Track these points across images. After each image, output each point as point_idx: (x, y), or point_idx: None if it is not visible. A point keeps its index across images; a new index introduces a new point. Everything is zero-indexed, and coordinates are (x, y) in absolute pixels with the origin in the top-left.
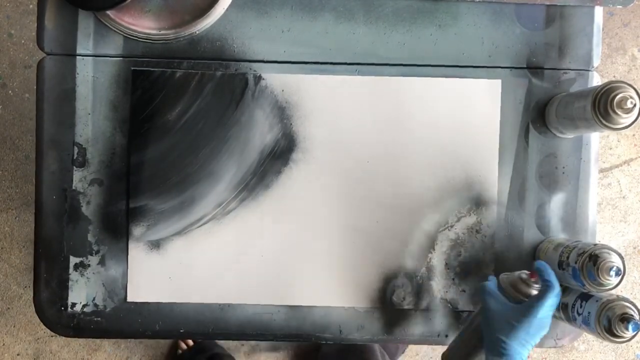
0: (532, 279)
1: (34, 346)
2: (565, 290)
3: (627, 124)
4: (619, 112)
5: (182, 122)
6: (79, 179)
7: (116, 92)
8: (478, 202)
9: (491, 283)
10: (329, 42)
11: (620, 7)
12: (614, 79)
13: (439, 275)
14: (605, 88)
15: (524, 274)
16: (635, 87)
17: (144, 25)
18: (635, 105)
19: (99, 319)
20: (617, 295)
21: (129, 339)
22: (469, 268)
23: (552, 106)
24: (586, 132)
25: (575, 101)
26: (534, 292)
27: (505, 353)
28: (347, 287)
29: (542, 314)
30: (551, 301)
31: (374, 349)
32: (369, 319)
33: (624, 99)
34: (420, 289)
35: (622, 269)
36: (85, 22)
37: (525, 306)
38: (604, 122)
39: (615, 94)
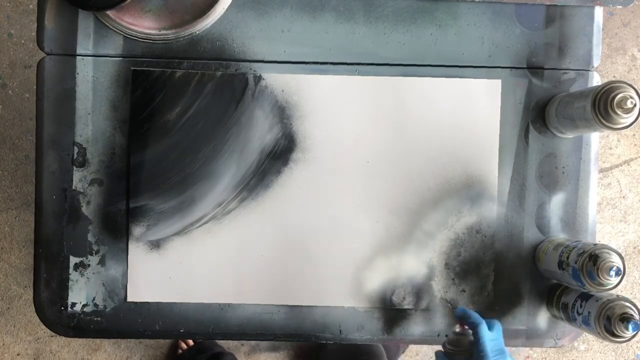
0: (464, 328)
1: (34, 346)
2: (565, 290)
3: (627, 124)
4: (619, 112)
5: (182, 122)
6: (79, 179)
7: (116, 92)
8: (478, 202)
9: (439, 356)
10: (329, 42)
11: (620, 7)
12: (614, 79)
13: (439, 275)
14: (605, 88)
15: (456, 329)
16: (635, 87)
17: (144, 25)
18: (635, 105)
19: (99, 319)
20: (617, 295)
21: (129, 339)
22: (469, 268)
23: (552, 106)
24: (586, 132)
25: (575, 101)
26: (471, 337)
27: None
28: (347, 287)
29: (488, 350)
30: (486, 335)
31: (375, 350)
32: (369, 319)
33: (624, 99)
34: (420, 289)
35: (622, 269)
36: (85, 22)
37: (475, 356)
38: (604, 122)
39: (615, 94)
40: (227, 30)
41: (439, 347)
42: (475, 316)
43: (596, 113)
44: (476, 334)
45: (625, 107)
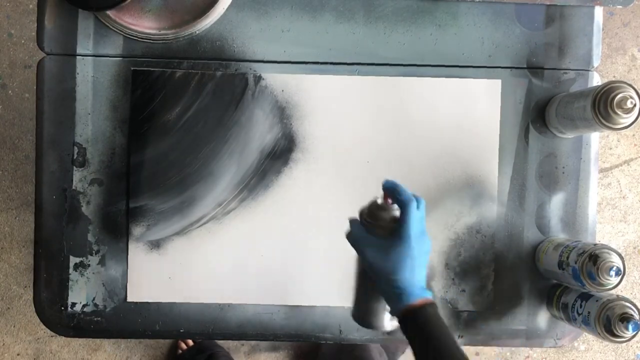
0: (388, 202)
1: (34, 346)
2: (565, 290)
3: (627, 124)
4: (619, 112)
5: (182, 122)
6: (79, 179)
7: (116, 92)
8: (478, 202)
9: (357, 229)
10: (329, 42)
11: (620, 7)
12: (614, 79)
13: (439, 275)
14: (606, 88)
15: (378, 200)
16: (635, 87)
17: (144, 25)
18: (635, 105)
19: (99, 319)
20: (617, 295)
21: (129, 339)
22: (469, 268)
23: (552, 106)
24: (586, 132)
25: (575, 101)
26: (397, 213)
27: (400, 290)
28: (347, 287)
29: (414, 231)
30: (414, 215)
31: (370, 349)
32: None
33: (624, 99)
34: None
35: (622, 269)
36: (85, 22)
37: (395, 234)
38: (604, 122)
39: (615, 94)
40: (227, 30)
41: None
42: (407, 193)
43: (596, 113)
44: (405, 212)
45: (625, 107)
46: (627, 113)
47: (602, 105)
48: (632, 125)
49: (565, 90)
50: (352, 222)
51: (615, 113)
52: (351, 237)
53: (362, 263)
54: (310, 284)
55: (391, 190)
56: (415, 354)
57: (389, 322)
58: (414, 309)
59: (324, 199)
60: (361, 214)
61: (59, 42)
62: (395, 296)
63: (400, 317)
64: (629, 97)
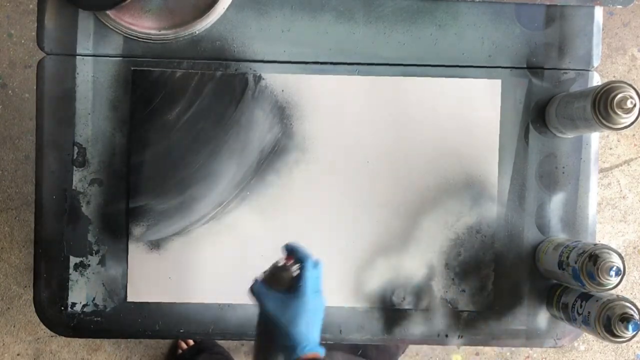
0: (289, 262)
1: (34, 346)
2: (565, 290)
3: (627, 124)
4: (619, 112)
5: (182, 122)
6: (79, 179)
7: (116, 92)
8: (478, 202)
9: (259, 284)
10: (329, 42)
11: (620, 7)
12: (614, 79)
13: (439, 275)
14: (605, 88)
15: (280, 261)
16: (635, 87)
17: (144, 25)
18: (635, 105)
19: (99, 319)
20: (617, 295)
21: (129, 339)
22: (469, 268)
23: (552, 106)
24: (586, 132)
25: (575, 101)
26: (296, 273)
27: (295, 342)
28: (347, 287)
29: (310, 289)
30: (311, 274)
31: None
32: (369, 319)
33: (624, 99)
34: (420, 289)
35: (622, 269)
36: (85, 22)
37: (294, 290)
38: (604, 122)
39: (615, 94)
40: (227, 30)
41: (440, 347)
42: (303, 252)
43: (596, 113)
44: (302, 270)
45: (625, 107)
46: (627, 113)
47: (602, 105)
48: (632, 125)
49: (565, 90)
50: (256, 279)
51: (615, 113)
52: (254, 292)
53: (262, 317)
54: None
55: (291, 252)
56: None
57: None
58: None
59: (324, 199)
60: (264, 273)
61: (59, 42)
62: (290, 348)
63: None
64: (629, 97)
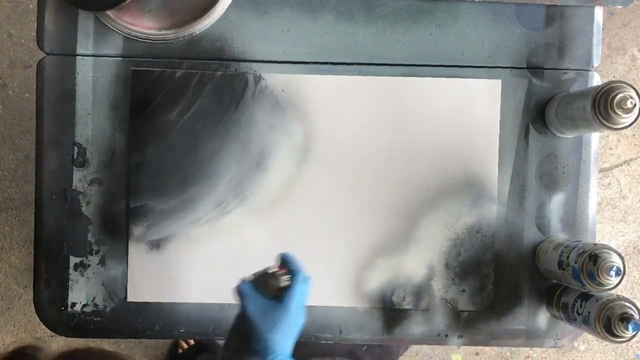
0: (281, 272)
1: None
2: (565, 290)
3: (627, 124)
4: (619, 112)
5: (182, 122)
6: (79, 179)
7: (116, 92)
8: (478, 202)
9: (246, 285)
10: (329, 42)
11: (620, 7)
12: (614, 79)
13: (439, 275)
14: (606, 88)
15: (272, 268)
16: (635, 87)
17: (144, 25)
18: (635, 105)
19: (99, 319)
20: (617, 295)
21: (129, 339)
22: (469, 268)
23: (552, 106)
24: (586, 132)
25: (575, 101)
26: (285, 283)
27: (269, 351)
28: (347, 287)
29: (295, 304)
30: (299, 289)
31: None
32: (369, 318)
33: (624, 99)
34: (420, 289)
35: (622, 269)
36: (85, 22)
37: (280, 299)
38: (604, 122)
39: (615, 94)
40: (227, 30)
41: (440, 347)
42: (297, 264)
43: (596, 113)
44: (293, 281)
45: (625, 107)
46: (627, 113)
47: (602, 105)
48: (632, 126)
49: (565, 90)
50: (244, 279)
51: (615, 113)
52: (239, 290)
53: (241, 317)
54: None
55: (285, 261)
56: None
57: None
58: None
59: (324, 199)
60: (254, 274)
61: (59, 42)
62: (262, 354)
63: None
64: (629, 97)
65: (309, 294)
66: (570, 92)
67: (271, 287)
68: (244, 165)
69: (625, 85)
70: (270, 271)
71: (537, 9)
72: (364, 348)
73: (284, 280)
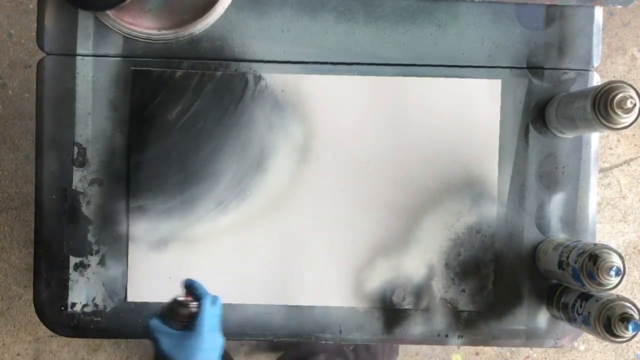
0: (188, 299)
1: (34, 346)
2: (565, 290)
3: (627, 124)
4: (619, 112)
5: (182, 122)
6: (79, 179)
7: (116, 92)
8: (478, 202)
9: (155, 321)
10: (329, 42)
11: (620, 7)
12: (614, 78)
13: (439, 275)
14: (606, 88)
15: (179, 298)
16: (635, 87)
17: (144, 25)
18: (635, 105)
19: (99, 319)
20: (617, 295)
21: (129, 339)
22: (469, 268)
23: (552, 106)
24: (586, 132)
25: (575, 101)
26: (194, 310)
27: None
28: (347, 287)
29: (207, 326)
30: (209, 312)
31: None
32: (369, 318)
33: (624, 99)
34: (420, 289)
35: (622, 269)
36: (85, 22)
37: (191, 327)
38: (604, 122)
39: (615, 94)
40: (227, 30)
41: (440, 347)
42: (202, 288)
43: (596, 113)
44: (200, 307)
45: (625, 107)
46: (627, 113)
47: (602, 105)
48: (632, 125)
49: (565, 90)
50: (152, 315)
51: (615, 113)
52: (149, 327)
53: (158, 356)
54: (310, 284)
55: (190, 287)
56: None
57: None
58: None
59: (324, 199)
60: (162, 308)
61: (59, 42)
62: None
63: None
64: (628, 97)
65: (220, 315)
66: (570, 92)
67: (181, 315)
68: (244, 165)
69: (625, 85)
70: (177, 300)
71: (537, 9)
72: (351, 347)
73: (193, 307)
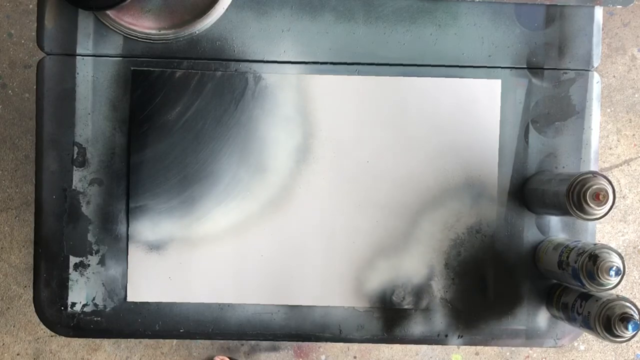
0: None
1: (34, 346)
2: (565, 290)
3: (600, 216)
4: (592, 205)
5: (182, 122)
6: (79, 179)
7: (116, 92)
8: (478, 202)
9: None
10: (329, 42)
11: (620, 7)
12: (613, 79)
13: (439, 275)
14: (579, 180)
15: None
16: (607, 176)
17: (144, 25)
18: (607, 197)
19: (99, 318)
20: (617, 295)
21: (129, 339)
22: (469, 268)
23: (528, 188)
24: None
25: (549, 188)
26: None
27: None
28: (347, 287)
29: None
30: None
31: None
32: (369, 318)
33: (597, 192)
34: (420, 289)
35: (622, 269)
36: (85, 22)
37: None
38: (578, 213)
39: (588, 187)
40: (227, 30)
41: (440, 347)
42: None
43: (570, 204)
44: None
45: (597, 200)
46: (599, 206)
47: (576, 196)
48: (605, 217)
49: (565, 90)
50: None
51: (589, 205)
52: None
53: None
54: (310, 284)
55: None
56: None
57: None
58: None
59: (324, 199)
60: None
61: (59, 42)
62: None
63: None
64: (602, 189)
65: None
66: (543, 176)
67: None
68: (244, 165)
69: (597, 176)
70: None
71: (537, 8)
72: None
73: None
